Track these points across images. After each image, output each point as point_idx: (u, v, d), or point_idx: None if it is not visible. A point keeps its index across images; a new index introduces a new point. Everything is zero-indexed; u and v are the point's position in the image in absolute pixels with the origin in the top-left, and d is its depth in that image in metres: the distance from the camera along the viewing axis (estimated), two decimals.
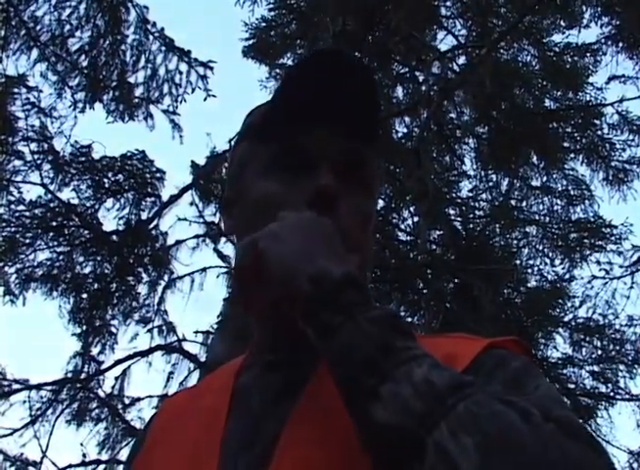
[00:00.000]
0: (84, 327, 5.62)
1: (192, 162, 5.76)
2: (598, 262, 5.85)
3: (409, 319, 5.38)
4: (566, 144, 6.22)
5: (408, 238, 5.92)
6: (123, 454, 5.41)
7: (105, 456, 5.43)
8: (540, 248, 6.01)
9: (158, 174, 5.75)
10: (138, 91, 5.91)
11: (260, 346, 0.83)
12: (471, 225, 5.99)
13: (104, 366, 5.60)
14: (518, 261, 5.98)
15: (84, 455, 5.30)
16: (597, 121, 6.13)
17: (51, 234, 5.54)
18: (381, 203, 5.66)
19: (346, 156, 0.79)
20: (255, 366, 0.81)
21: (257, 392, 0.77)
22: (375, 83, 0.81)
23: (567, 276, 5.87)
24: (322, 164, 0.77)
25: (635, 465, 5.57)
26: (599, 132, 6.14)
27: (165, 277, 5.75)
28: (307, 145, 0.79)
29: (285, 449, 0.69)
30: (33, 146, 5.57)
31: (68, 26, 5.73)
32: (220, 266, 5.68)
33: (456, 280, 5.59)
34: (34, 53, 5.69)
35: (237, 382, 0.81)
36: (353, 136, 0.79)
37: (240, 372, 0.83)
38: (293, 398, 0.73)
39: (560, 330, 5.68)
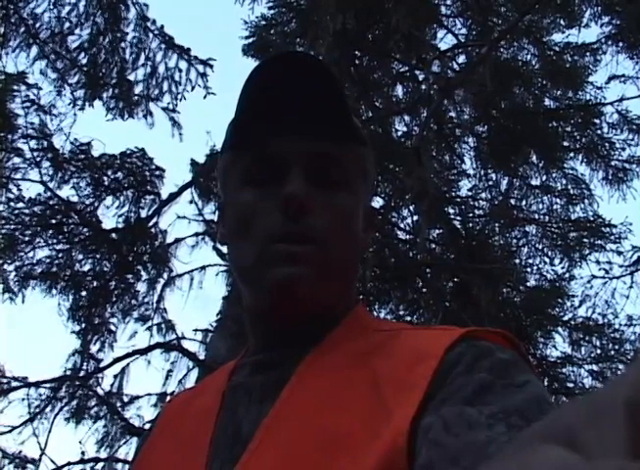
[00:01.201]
0: (83, 325, 5.62)
1: (191, 160, 5.77)
2: (597, 262, 5.85)
3: (408, 318, 5.39)
4: (565, 143, 6.22)
5: (408, 237, 5.91)
6: (122, 452, 5.42)
7: (103, 454, 5.44)
8: (540, 247, 6.01)
9: (157, 172, 5.75)
10: (138, 89, 5.92)
11: (253, 346, 0.84)
12: (470, 224, 5.99)
13: (103, 364, 5.60)
14: (517, 261, 5.98)
15: (83, 453, 5.31)
16: (597, 121, 6.13)
17: (50, 232, 5.54)
18: (380, 202, 5.66)
19: (317, 158, 0.80)
20: (247, 366, 0.82)
21: (245, 392, 0.78)
22: (336, 81, 0.81)
23: (566, 275, 5.87)
24: (292, 170, 0.78)
25: None
26: (599, 131, 6.13)
27: (165, 275, 5.76)
28: (276, 153, 0.80)
29: (253, 451, 0.70)
30: (33, 143, 5.58)
31: (67, 24, 5.73)
32: (220, 264, 5.68)
33: (455, 279, 5.59)
34: (34, 50, 5.69)
35: (230, 382, 0.82)
36: (322, 137, 0.80)
37: (234, 372, 0.84)
38: (274, 398, 0.74)
39: (559, 329, 5.68)
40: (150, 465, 0.82)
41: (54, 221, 5.54)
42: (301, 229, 0.77)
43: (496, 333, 0.72)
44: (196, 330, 5.45)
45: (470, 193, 6.18)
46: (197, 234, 5.74)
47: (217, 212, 0.92)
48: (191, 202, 5.71)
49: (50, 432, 5.34)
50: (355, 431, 0.66)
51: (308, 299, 0.78)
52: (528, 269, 5.95)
